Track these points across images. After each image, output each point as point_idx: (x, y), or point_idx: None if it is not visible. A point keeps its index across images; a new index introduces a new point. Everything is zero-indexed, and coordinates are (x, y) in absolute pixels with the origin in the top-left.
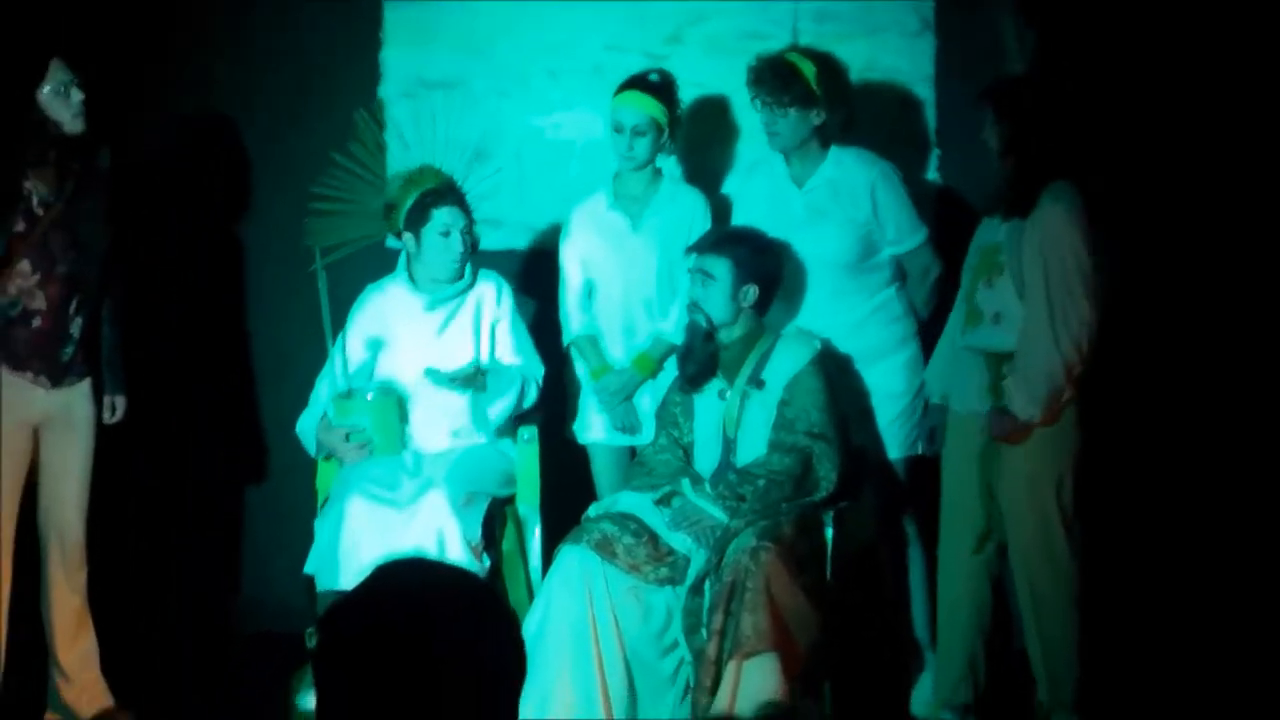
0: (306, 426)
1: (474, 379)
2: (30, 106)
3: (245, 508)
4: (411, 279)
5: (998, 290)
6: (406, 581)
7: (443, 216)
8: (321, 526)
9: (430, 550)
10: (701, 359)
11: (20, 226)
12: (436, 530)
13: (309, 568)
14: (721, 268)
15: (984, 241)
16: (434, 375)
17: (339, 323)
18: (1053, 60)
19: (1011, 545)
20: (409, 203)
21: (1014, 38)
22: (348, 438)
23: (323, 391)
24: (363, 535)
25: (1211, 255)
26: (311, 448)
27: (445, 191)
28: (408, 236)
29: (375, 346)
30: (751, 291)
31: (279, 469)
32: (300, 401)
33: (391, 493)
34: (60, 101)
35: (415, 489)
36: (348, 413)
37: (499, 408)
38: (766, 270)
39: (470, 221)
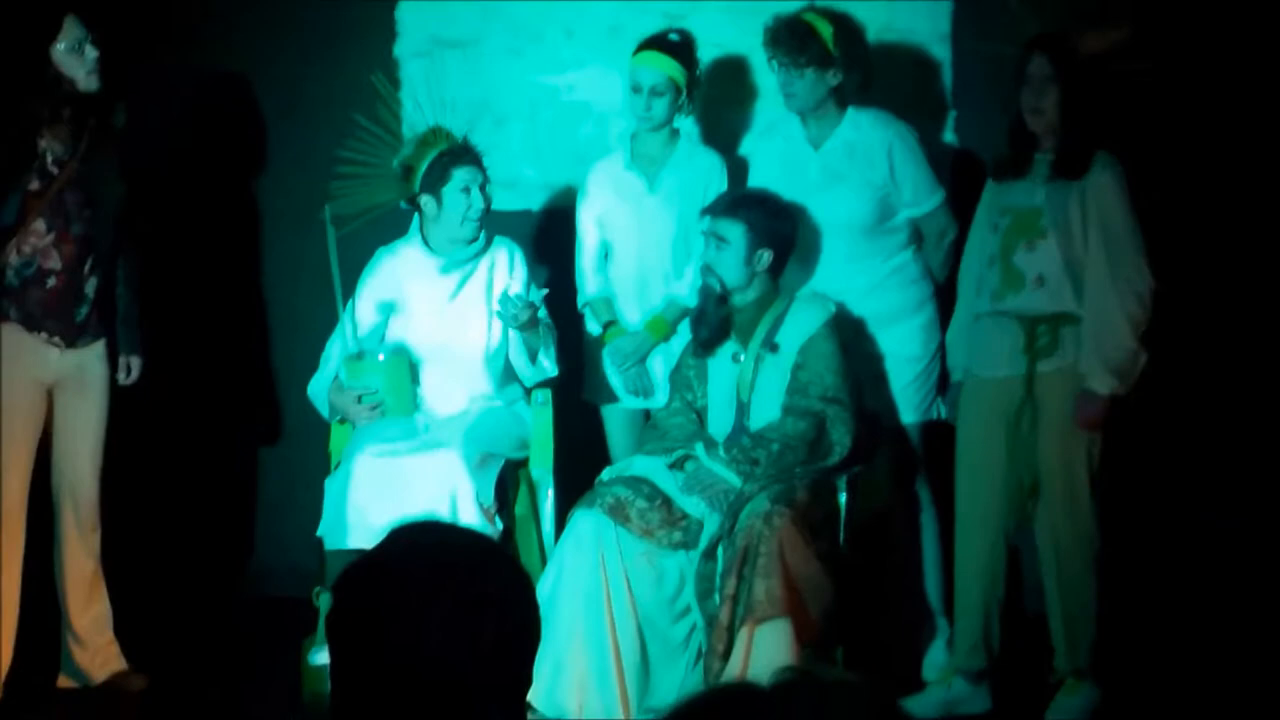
0: (319, 389)
1: (534, 320)
2: (44, 63)
3: (259, 470)
4: (426, 242)
5: (1040, 253)
6: (419, 543)
7: (463, 175)
8: (331, 487)
9: (442, 510)
10: (714, 323)
11: (35, 185)
12: (450, 490)
13: (320, 530)
14: (736, 231)
15: (1017, 204)
16: (505, 302)
17: (349, 285)
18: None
19: (1041, 504)
20: (425, 163)
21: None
22: (360, 400)
23: (333, 354)
24: (372, 494)
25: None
26: (325, 410)
27: (462, 150)
28: (426, 199)
29: (387, 309)
30: (765, 255)
31: (292, 431)
32: (315, 363)
33: (403, 449)
34: (74, 58)
35: (427, 444)
36: (359, 374)
37: (546, 362)
38: (781, 234)
39: (487, 179)
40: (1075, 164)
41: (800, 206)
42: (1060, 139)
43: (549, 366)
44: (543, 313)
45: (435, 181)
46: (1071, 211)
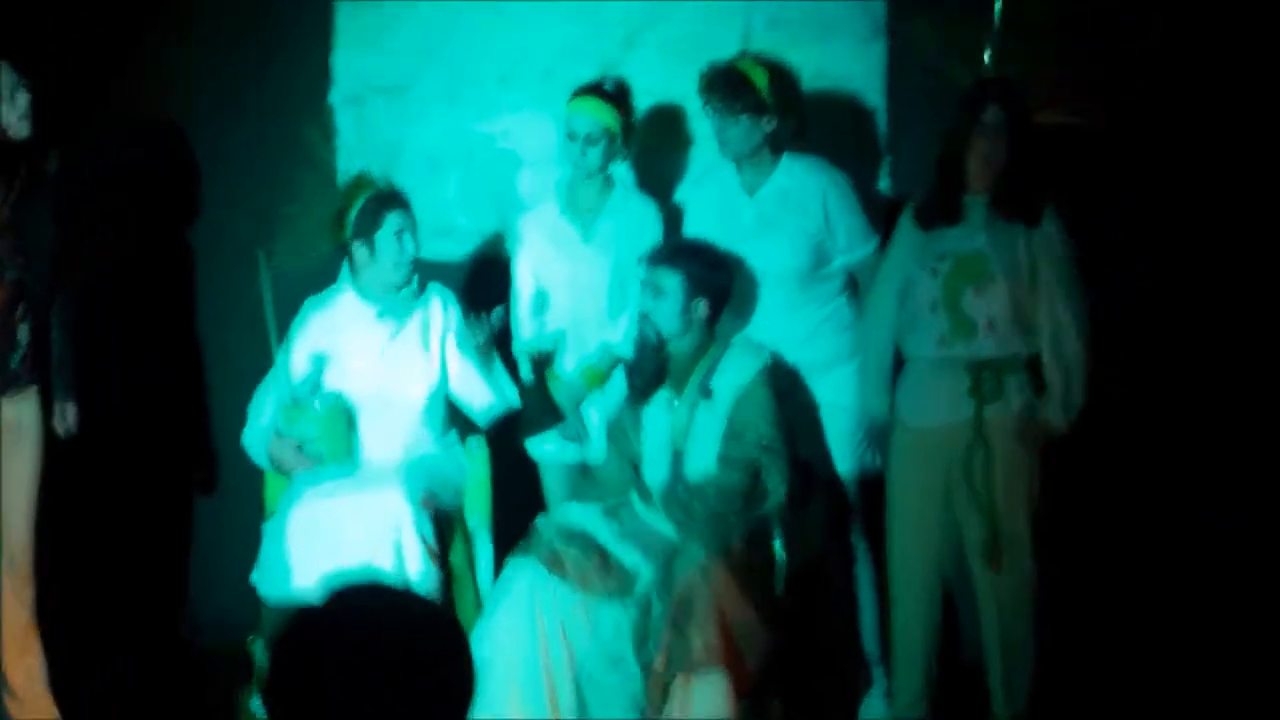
0: (253, 439)
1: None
2: None
3: (195, 519)
4: (358, 289)
5: (989, 297)
6: (357, 603)
7: (395, 220)
8: (267, 534)
9: (386, 552)
10: (649, 371)
11: None
12: (394, 531)
13: (254, 577)
14: (673, 281)
15: (960, 249)
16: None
17: (284, 331)
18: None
19: (981, 550)
20: (356, 209)
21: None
22: (299, 448)
23: (265, 404)
24: (309, 540)
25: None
26: (261, 460)
27: (392, 194)
28: (358, 244)
29: (320, 360)
30: (702, 306)
31: (229, 480)
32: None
33: (340, 491)
34: (6, 105)
35: (366, 486)
36: (296, 422)
37: (508, 390)
38: (718, 285)
39: (415, 224)
40: (1026, 211)
41: (736, 254)
42: (1008, 185)
43: (511, 395)
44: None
45: (367, 227)
46: (1020, 256)
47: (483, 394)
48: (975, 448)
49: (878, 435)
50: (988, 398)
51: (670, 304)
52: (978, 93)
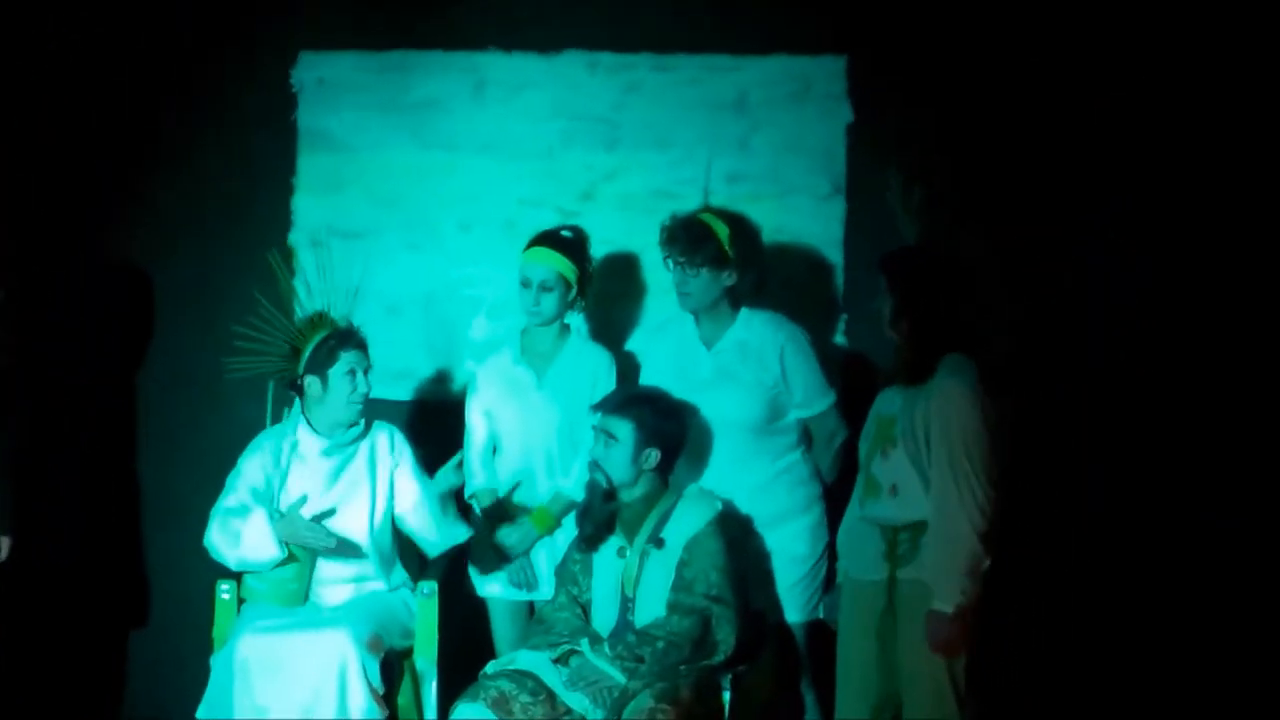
0: (222, 530)
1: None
2: None
3: (128, 653)
4: (307, 422)
5: (893, 461)
6: None
7: (349, 358)
8: (216, 666)
9: (329, 690)
10: (599, 519)
11: None
12: (338, 669)
13: (201, 711)
14: (625, 429)
15: (881, 411)
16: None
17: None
18: (946, 230)
19: (906, 713)
20: (312, 345)
21: (906, 207)
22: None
23: (225, 504)
24: (257, 673)
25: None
26: (228, 549)
27: (348, 334)
28: (311, 379)
29: (266, 493)
30: (653, 455)
31: (165, 614)
32: (189, 545)
33: (289, 625)
34: None
35: (315, 623)
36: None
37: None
38: (670, 434)
39: (369, 365)
40: (915, 371)
41: (691, 404)
42: (907, 345)
43: (461, 531)
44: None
45: (321, 363)
46: (917, 419)
47: (434, 528)
48: (886, 611)
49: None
50: (901, 560)
51: (621, 452)
52: (881, 260)
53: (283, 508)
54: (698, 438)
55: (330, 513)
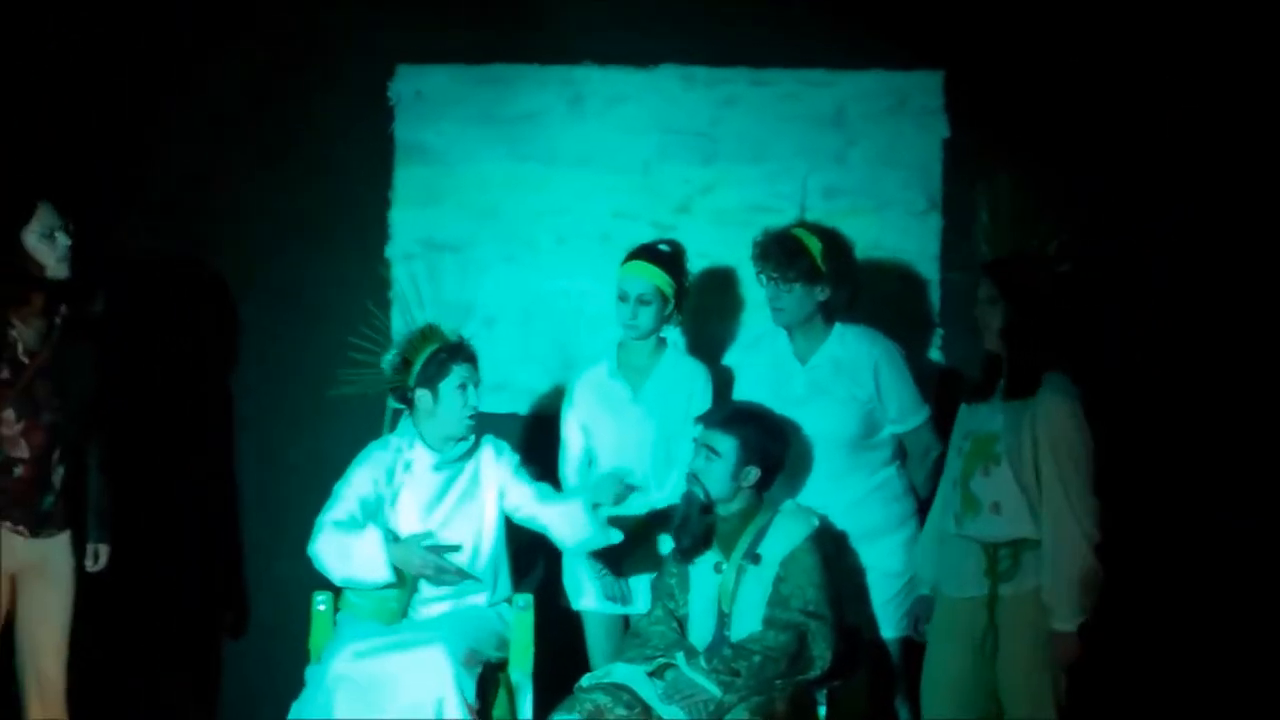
0: (331, 543)
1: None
2: (15, 248)
3: (225, 663)
4: (418, 436)
5: (995, 479)
6: None
7: (461, 371)
8: (310, 683)
9: (427, 712)
10: (696, 531)
11: (5, 374)
12: (436, 690)
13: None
14: (727, 445)
15: (977, 428)
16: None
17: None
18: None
19: None
20: (423, 358)
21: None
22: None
23: (334, 516)
24: (354, 697)
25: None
26: (337, 563)
27: (459, 347)
28: (422, 393)
29: (375, 504)
30: (753, 473)
31: (262, 623)
32: (288, 554)
33: (385, 646)
34: (46, 245)
35: (410, 642)
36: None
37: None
38: (771, 454)
39: (479, 379)
40: (1022, 386)
41: (794, 424)
42: (1006, 361)
43: (614, 534)
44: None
45: (432, 376)
46: (1024, 436)
47: (571, 525)
48: (989, 628)
49: (919, 608)
50: (1003, 577)
51: (722, 467)
52: (981, 270)
53: (393, 524)
54: (794, 453)
55: (455, 548)
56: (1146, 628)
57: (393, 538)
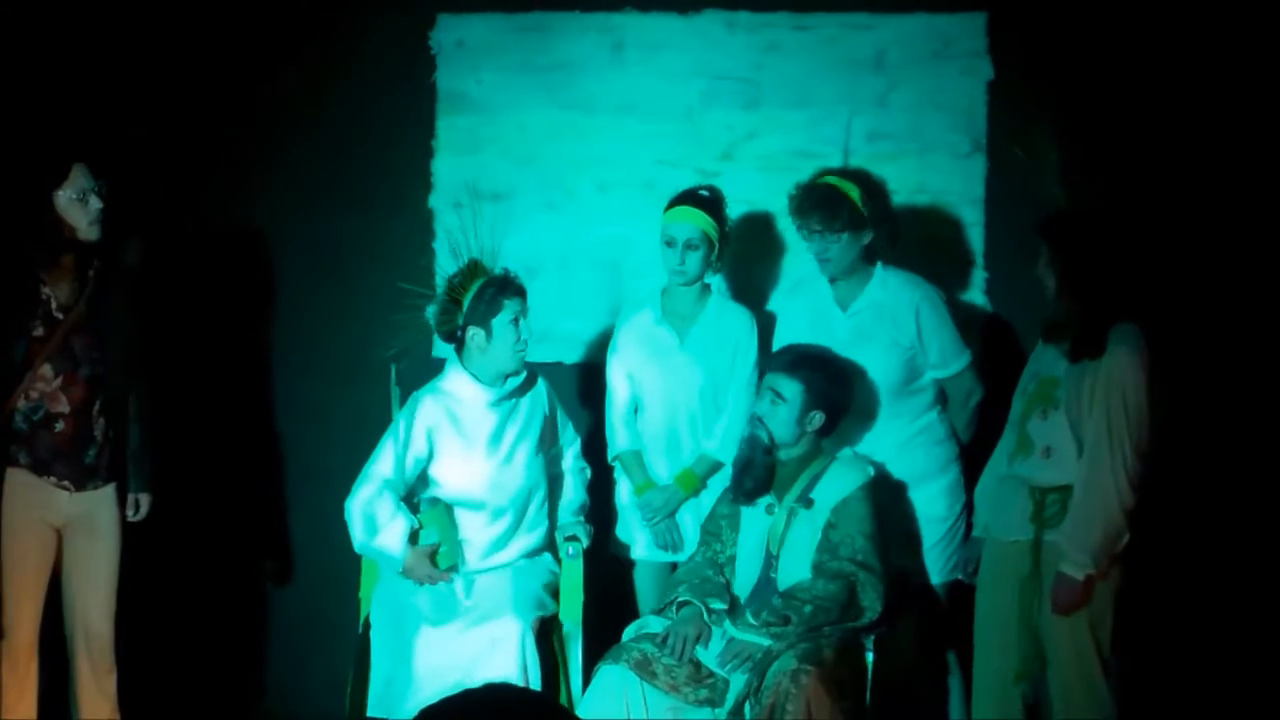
0: (365, 510)
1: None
2: (46, 208)
3: (270, 613)
4: (471, 375)
5: (1051, 423)
6: (483, 699)
7: (512, 305)
8: (380, 656)
9: (514, 678)
10: (760, 474)
11: (39, 331)
12: (519, 660)
13: (373, 710)
14: (793, 389)
15: (1043, 371)
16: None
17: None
18: (1108, 194)
19: (1050, 678)
20: (471, 294)
21: (1045, 166)
22: (433, 561)
23: (380, 472)
24: (437, 665)
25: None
26: (361, 533)
27: (506, 281)
28: (474, 330)
29: (427, 457)
30: (818, 417)
31: (304, 572)
32: (327, 504)
33: (454, 618)
34: (78, 207)
35: (480, 617)
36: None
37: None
38: (836, 399)
39: (528, 312)
40: (1089, 345)
41: (860, 368)
42: (1072, 318)
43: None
44: None
45: (485, 313)
46: (1084, 385)
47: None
48: (1033, 572)
49: (970, 551)
50: (1049, 523)
51: (787, 411)
52: (1037, 229)
53: (450, 469)
54: None
55: (452, 575)
56: (1165, 631)
57: (408, 549)
